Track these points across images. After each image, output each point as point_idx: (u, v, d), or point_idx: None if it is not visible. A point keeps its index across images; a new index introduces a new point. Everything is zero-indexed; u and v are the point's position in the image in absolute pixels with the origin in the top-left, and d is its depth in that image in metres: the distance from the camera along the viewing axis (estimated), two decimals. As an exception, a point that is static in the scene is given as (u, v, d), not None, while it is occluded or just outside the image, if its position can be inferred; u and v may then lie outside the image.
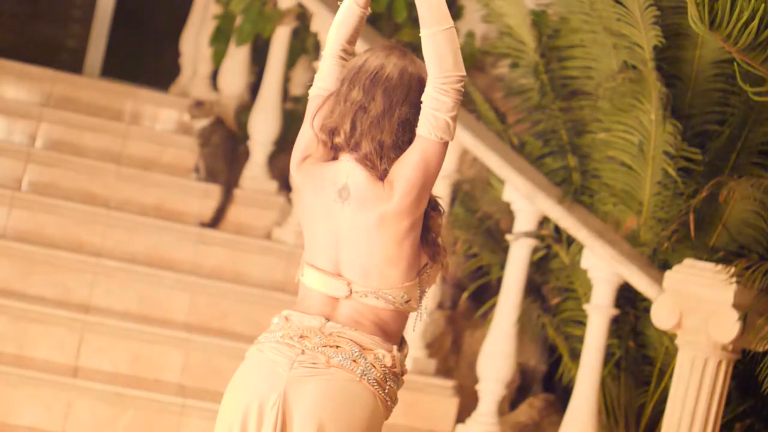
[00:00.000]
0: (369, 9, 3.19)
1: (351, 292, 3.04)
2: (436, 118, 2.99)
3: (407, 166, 3.00)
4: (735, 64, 4.22)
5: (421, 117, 3.00)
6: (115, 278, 5.86)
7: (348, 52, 3.20)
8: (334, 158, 3.08)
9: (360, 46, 5.80)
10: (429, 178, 3.00)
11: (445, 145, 3.01)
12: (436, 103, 2.99)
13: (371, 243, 3.02)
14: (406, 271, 3.04)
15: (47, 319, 5.55)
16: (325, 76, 3.16)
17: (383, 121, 3.02)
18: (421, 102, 3.02)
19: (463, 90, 3.00)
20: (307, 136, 3.12)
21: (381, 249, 3.01)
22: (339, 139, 3.05)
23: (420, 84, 3.05)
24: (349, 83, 3.06)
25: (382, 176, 3.01)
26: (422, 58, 3.09)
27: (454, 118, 3.00)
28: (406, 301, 3.07)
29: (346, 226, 3.03)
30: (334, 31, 3.19)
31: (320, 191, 3.06)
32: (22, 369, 5.32)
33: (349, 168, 3.04)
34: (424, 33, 3.00)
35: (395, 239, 3.01)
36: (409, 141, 3.02)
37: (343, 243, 3.04)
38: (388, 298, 3.05)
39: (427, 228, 3.06)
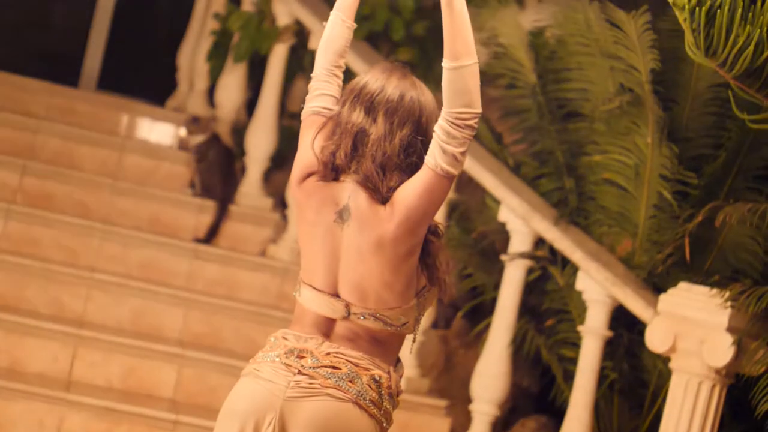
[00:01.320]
0: (354, 22, 3.17)
1: (349, 314, 3.04)
2: (444, 151, 2.95)
3: (410, 194, 2.98)
4: (730, 91, 4.23)
5: (430, 147, 2.97)
6: (109, 293, 5.85)
7: (340, 67, 3.18)
8: (335, 179, 3.06)
9: (358, 66, 5.82)
10: (430, 208, 2.98)
11: (451, 178, 2.97)
12: (447, 137, 2.95)
13: (369, 265, 3.01)
14: (403, 294, 3.04)
15: (41, 333, 5.54)
16: (319, 95, 3.15)
17: (384, 144, 3.00)
18: (421, 124, 3.01)
19: (476, 126, 2.96)
20: (307, 156, 3.09)
21: (379, 272, 3.01)
22: (340, 161, 3.03)
23: (420, 106, 3.04)
24: (349, 105, 3.05)
25: (384, 199, 3.00)
26: (420, 78, 3.10)
27: (464, 154, 2.96)
28: (403, 324, 3.06)
29: (345, 247, 3.03)
30: (323, 48, 3.18)
31: (321, 211, 3.05)
32: (15, 383, 5.31)
33: (350, 189, 3.03)
34: (448, 65, 2.93)
35: (393, 263, 3.00)
36: (413, 164, 3.00)
37: (342, 264, 3.04)
38: (386, 320, 3.04)
39: (426, 252, 3.05)
